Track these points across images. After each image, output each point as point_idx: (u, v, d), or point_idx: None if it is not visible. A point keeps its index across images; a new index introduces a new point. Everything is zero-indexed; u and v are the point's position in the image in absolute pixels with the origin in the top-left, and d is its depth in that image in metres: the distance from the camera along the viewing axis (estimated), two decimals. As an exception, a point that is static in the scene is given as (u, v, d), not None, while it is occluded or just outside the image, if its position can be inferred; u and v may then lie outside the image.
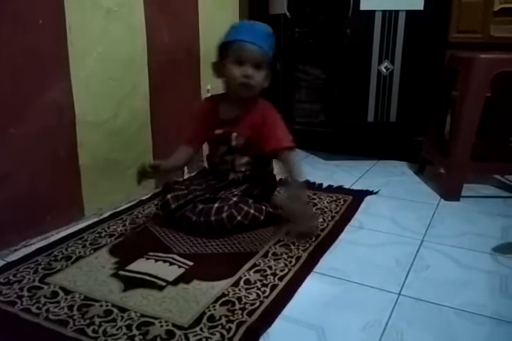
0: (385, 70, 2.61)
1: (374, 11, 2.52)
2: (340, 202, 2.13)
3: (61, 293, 1.39)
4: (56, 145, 1.76)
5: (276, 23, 2.83)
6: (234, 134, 1.80)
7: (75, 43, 1.75)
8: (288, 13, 2.63)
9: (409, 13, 2.52)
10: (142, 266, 1.55)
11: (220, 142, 1.85)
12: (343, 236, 1.81)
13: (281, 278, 1.48)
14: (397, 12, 2.52)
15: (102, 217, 1.94)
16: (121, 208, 2.04)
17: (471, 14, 2.57)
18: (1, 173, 1.58)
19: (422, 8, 2.50)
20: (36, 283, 1.44)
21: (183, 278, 1.47)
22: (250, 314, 1.29)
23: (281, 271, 1.53)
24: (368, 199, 2.20)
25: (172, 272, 1.51)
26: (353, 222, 1.95)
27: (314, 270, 1.55)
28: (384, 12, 2.52)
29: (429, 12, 2.51)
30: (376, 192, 2.27)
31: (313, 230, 1.77)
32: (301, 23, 2.98)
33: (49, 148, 1.74)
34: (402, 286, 1.47)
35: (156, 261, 1.58)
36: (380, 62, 2.60)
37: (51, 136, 1.73)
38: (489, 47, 2.47)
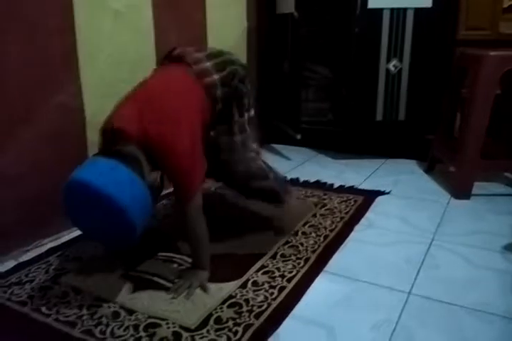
0: (393, 68, 2.60)
1: (382, 9, 2.51)
2: (350, 203, 2.11)
3: (71, 293, 1.40)
4: (66, 146, 1.78)
5: (284, 22, 2.83)
6: None
7: (84, 46, 1.76)
8: (296, 13, 2.63)
9: (418, 11, 2.51)
10: (152, 266, 1.56)
11: None
12: (352, 235, 1.81)
13: (289, 280, 1.47)
14: (405, 10, 2.51)
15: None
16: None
17: (480, 11, 2.55)
18: (13, 175, 1.60)
19: (430, 5, 2.50)
20: (48, 283, 1.46)
21: (192, 279, 1.48)
22: (257, 316, 1.29)
23: (290, 272, 1.52)
24: (376, 198, 2.20)
25: (181, 273, 1.52)
26: (362, 220, 1.94)
27: (324, 269, 1.56)
28: (392, 10, 2.51)
29: (438, 9, 2.51)
30: (388, 193, 2.25)
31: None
32: (309, 22, 2.98)
33: (60, 149, 1.75)
34: (413, 285, 1.46)
35: (166, 261, 1.59)
36: (388, 61, 2.59)
37: (62, 138, 1.75)
38: (498, 44, 2.45)
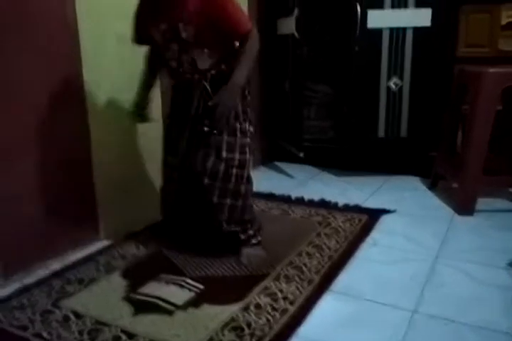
0: (394, 86, 2.63)
1: (381, 29, 2.55)
2: (354, 222, 2.11)
3: (72, 317, 1.40)
4: (73, 169, 1.81)
5: (284, 42, 2.88)
6: (180, 24, 1.57)
7: (90, 71, 1.80)
8: (296, 33, 2.67)
9: (417, 30, 2.54)
10: (153, 288, 1.55)
11: (168, 39, 1.62)
12: (357, 253, 1.81)
13: (292, 302, 1.46)
14: (404, 29, 2.55)
15: (117, 239, 1.96)
16: (137, 229, 2.04)
17: (479, 29, 2.59)
18: (20, 196, 1.63)
19: (429, 24, 2.53)
20: (49, 307, 1.46)
21: (193, 302, 1.47)
22: (259, 340, 1.27)
23: (293, 294, 1.50)
24: (381, 216, 2.18)
25: (182, 295, 1.51)
26: (366, 239, 1.94)
27: (329, 288, 1.55)
28: (391, 29, 2.55)
29: (437, 28, 2.54)
30: (393, 211, 2.24)
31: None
32: (310, 42, 3.02)
33: (66, 171, 1.78)
34: (417, 303, 1.46)
35: (168, 283, 1.59)
36: (388, 78, 2.62)
37: (68, 160, 1.78)
38: (498, 61, 2.48)
